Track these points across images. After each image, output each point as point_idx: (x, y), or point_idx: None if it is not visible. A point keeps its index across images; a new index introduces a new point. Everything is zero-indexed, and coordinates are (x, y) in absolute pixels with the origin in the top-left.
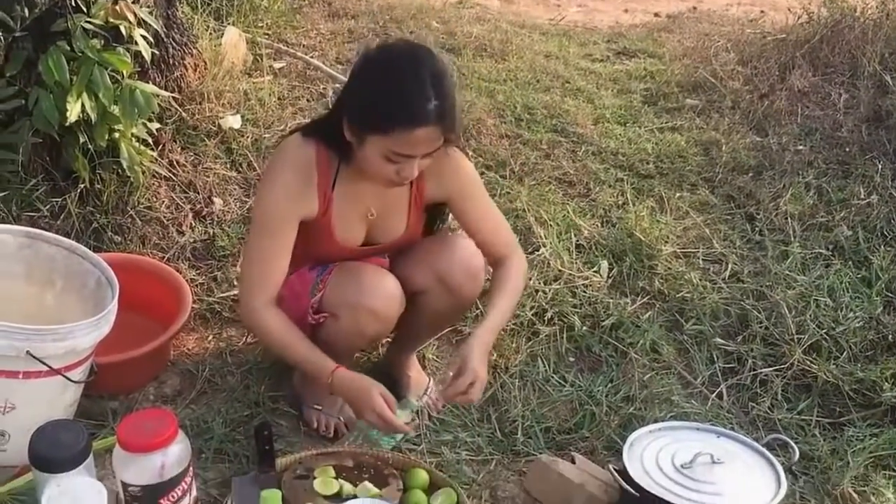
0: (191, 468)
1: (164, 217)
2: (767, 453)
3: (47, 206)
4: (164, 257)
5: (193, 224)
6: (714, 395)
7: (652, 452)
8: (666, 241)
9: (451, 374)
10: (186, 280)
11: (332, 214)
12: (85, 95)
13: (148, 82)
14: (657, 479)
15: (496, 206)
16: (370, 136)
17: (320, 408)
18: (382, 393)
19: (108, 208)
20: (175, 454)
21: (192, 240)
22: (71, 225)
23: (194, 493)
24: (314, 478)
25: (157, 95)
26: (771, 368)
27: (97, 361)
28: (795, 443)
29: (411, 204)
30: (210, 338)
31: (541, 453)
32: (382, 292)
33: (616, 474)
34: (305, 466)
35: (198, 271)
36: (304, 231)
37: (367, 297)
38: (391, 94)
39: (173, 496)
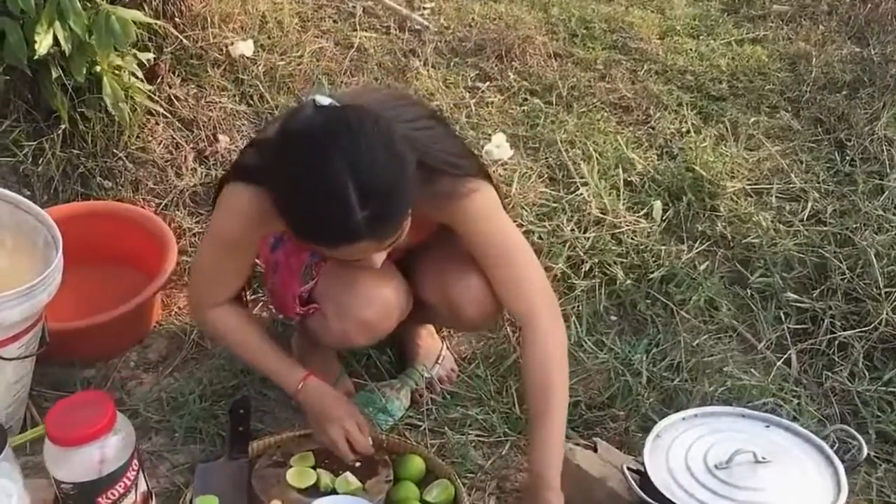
0: (135, 459)
1: (161, 159)
2: (827, 448)
3: (27, 150)
4: (160, 204)
5: (194, 166)
6: (781, 361)
7: (681, 447)
8: (733, 176)
9: None
10: (183, 229)
11: None
12: (58, 24)
13: (141, 6)
14: (683, 483)
15: (525, 245)
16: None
17: None
18: (358, 421)
19: (96, 151)
20: (114, 446)
21: (192, 184)
22: (54, 170)
23: (143, 486)
24: (290, 466)
25: (139, 22)
26: (853, 330)
27: (69, 327)
28: (878, 422)
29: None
30: None
31: (567, 437)
32: (378, 303)
33: (629, 475)
34: (284, 451)
35: (197, 219)
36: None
37: (360, 306)
38: (304, 206)
39: (114, 493)
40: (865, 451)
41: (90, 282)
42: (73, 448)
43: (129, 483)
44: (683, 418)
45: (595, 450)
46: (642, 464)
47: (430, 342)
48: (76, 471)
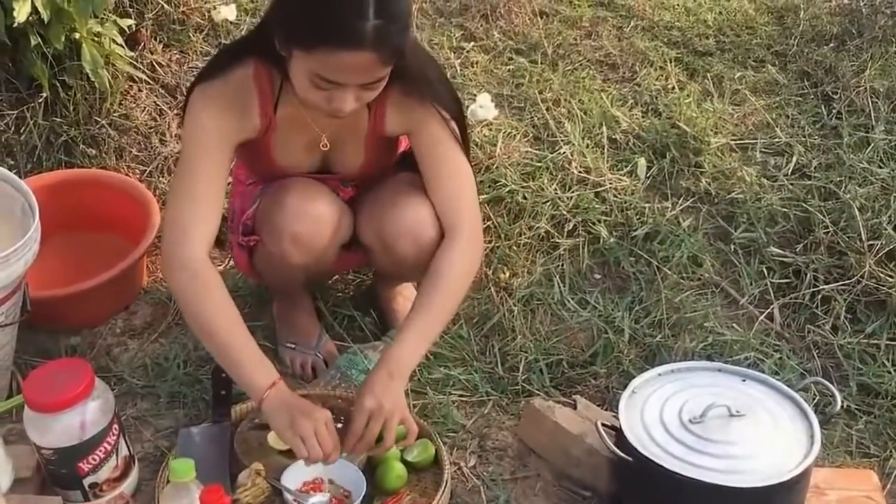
0: (115, 424)
1: (144, 126)
2: (802, 402)
3: (8, 119)
4: (144, 171)
5: (178, 132)
6: (763, 316)
7: (657, 402)
8: (718, 132)
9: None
10: (166, 196)
11: (272, 138)
12: None
13: None
14: (657, 438)
15: (468, 166)
16: (294, 51)
17: (294, 345)
18: (327, 423)
19: (79, 119)
20: (94, 411)
21: (175, 150)
22: (36, 139)
23: (124, 451)
24: (271, 429)
25: None
26: (835, 283)
27: (52, 294)
28: (859, 374)
29: (369, 134)
30: None
31: (545, 394)
32: (307, 216)
33: (602, 431)
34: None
35: None
36: (248, 155)
37: (289, 220)
38: (319, 2)
39: (95, 458)
40: (840, 403)
41: (75, 249)
42: (53, 414)
43: (109, 448)
44: (660, 374)
45: (574, 407)
46: (617, 419)
47: (407, 305)
48: (56, 436)
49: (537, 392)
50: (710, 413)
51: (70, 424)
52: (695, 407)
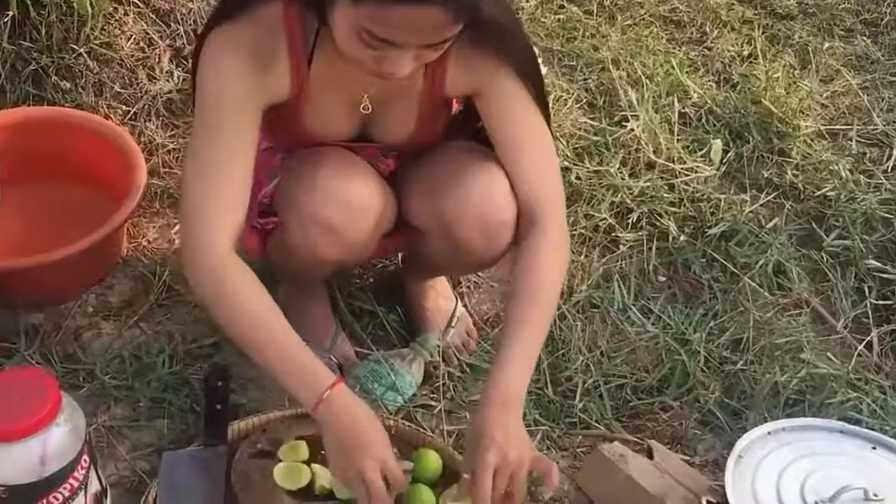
0: (86, 454)
1: (130, 57)
2: None
3: None
4: (127, 112)
5: (170, 67)
6: (862, 345)
7: (771, 474)
8: (806, 114)
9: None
10: (155, 144)
11: (304, 100)
12: None
13: None
14: None
15: (551, 136)
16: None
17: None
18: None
19: (52, 44)
20: (58, 440)
21: (166, 89)
22: (2, 65)
23: (95, 486)
24: (278, 459)
25: None
26: None
27: (11, 266)
28: None
29: (425, 96)
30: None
31: (606, 427)
32: (344, 201)
33: None
34: (271, 437)
35: (171, 132)
36: (269, 117)
37: (319, 204)
38: None
39: (58, 497)
40: None
41: (40, 204)
42: (4, 444)
43: (76, 484)
44: (769, 432)
45: (650, 455)
46: (722, 493)
47: (441, 303)
48: (9, 471)
49: (595, 425)
50: (842, 496)
51: (27, 457)
52: (821, 485)
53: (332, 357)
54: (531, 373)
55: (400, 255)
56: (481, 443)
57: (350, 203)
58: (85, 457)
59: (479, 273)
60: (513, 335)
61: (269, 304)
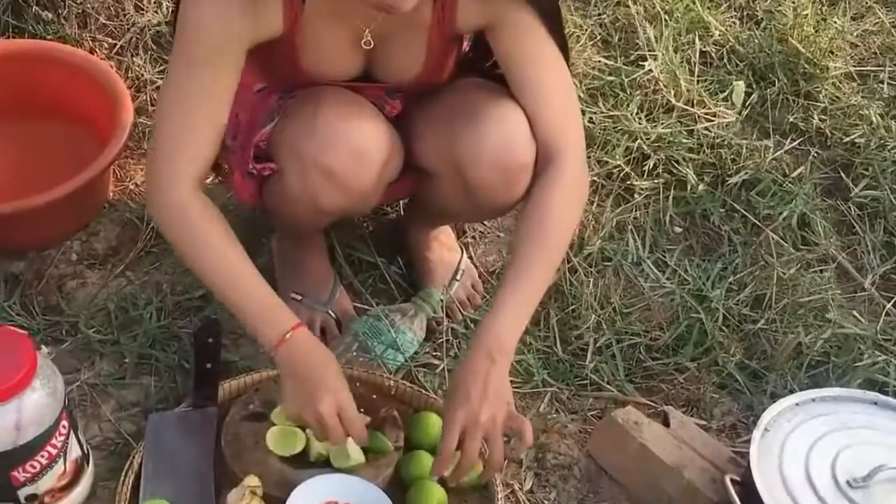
0: (65, 420)
1: None
2: None
3: None
4: (113, 46)
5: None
6: (891, 303)
7: (800, 449)
8: (835, 55)
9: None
10: (143, 80)
11: (299, 36)
12: None
13: None
14: None
15: (569, 74)
16: None
17: (300, 297)
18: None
19: None
20: (35, 405)
21: (155, 21)
22: None
23: (75, 452)
24: (271, 423)
25: None
26: None
27: None
28: None
29: (433, 31)
30: None
31: (618, 389)
32: (347, 147)
33: (733, 492)
34: (264, 398)
35: (160, 68)
36: (263, 55)
37: (320, 148)
38: None
39: (35, 465)
40: None
41: (20, 145)
42: None
43: (54, 452)
44: (797, 403)
45: (666, 422)
46: (748, 472)
47: (445, 254)
48: None
49: (607, 387)
50: (877, 476)
51: (1, 424)
52: (854, 463)
53: (329, 311)
54: (527, 321)
55: (402, 202)
56: (454, 398)
57: (354, 148)
58: (64, 422)
59: (485, 222)
60: (512, 279)
61: (232, 244)
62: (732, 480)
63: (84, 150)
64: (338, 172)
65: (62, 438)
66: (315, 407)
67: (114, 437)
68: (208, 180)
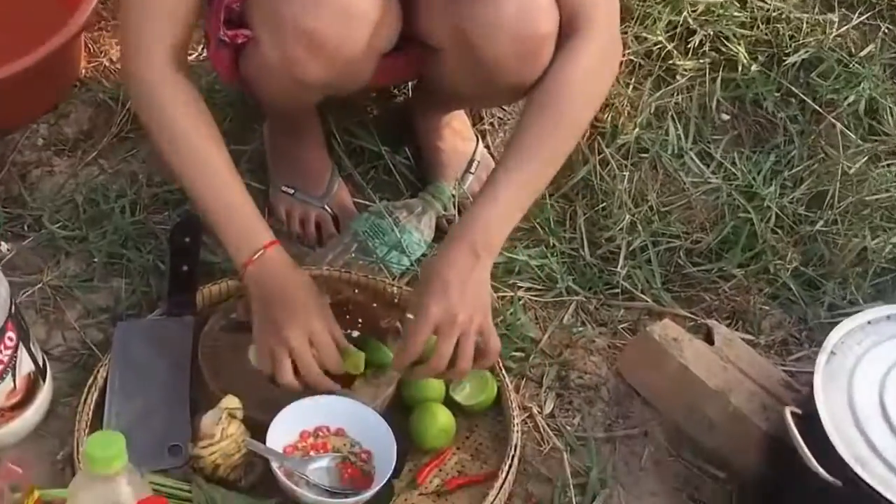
0: (11, 330)
1: None
2: None
3: None
4: None
5: None
6: None
7: (872, 376)
8: None
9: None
10: None
11: None
12: None
13: None
14: (878, 443)
15: None
16: None
17: (293, 191)
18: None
19: None
20: None
21: None
22: None
23: (27, 366)
24: None
25: None
26: None
27: None
28: None
29: None
30: None
31: (653, 299)
32: (331, 3)
33: (794, 428)
34: (247, 306)
35: None
36: None
37: (302, 8)
38: None
39: None
40: None
41: None
42: None
43: (0, 366)
44: (869, 322)
45: (709, 339)
46: (801, 390)
47: (459, 143)
48: None
49: (641, 296)
50: None
51: None
52: None
53: (325, 207)
54: (521, 215)
55: (410, 83)
56: (429, 290)
57: (339, 7)
58: (10, 333)
59: (504, 107)
60: (512, 159)
61: (206, 134)
62: (793, 414)
63: (50, 17)
64: (320, 36)
65: (8, 352)
66: (286, 341)
67: (78, 347)
68: (192, 56)
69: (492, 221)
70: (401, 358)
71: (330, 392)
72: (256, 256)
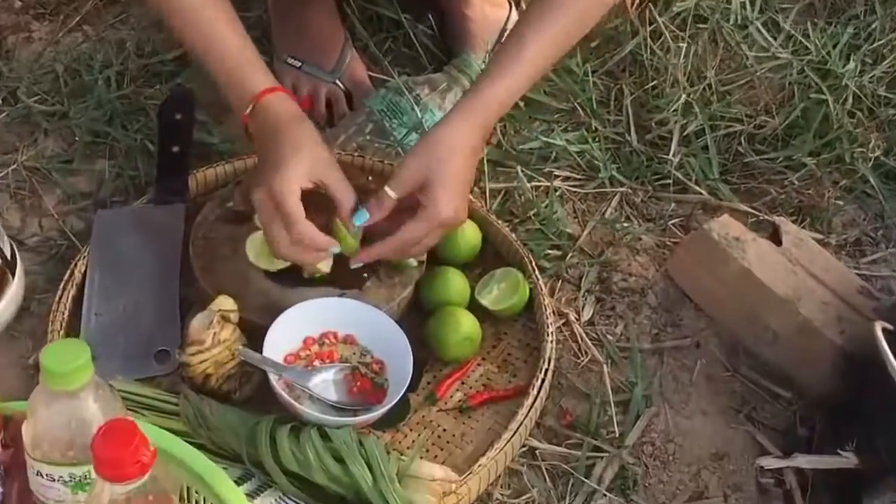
0: None
1: None
2: None
3: None
4: None
5: None
6: None
7: None
8: None
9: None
10: None
11: None
12: None
13: None
14: None
15: None
16: None
17: (300, 63)
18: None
19: None
20: None
21: None
22: None
23: None
24: (255, 226)
25: None
26: None
27: None
28: None
29: None
30: None
31: (710, 192)
32: None
33: (886, 346)
34: (246, 194)
35: None
36: None
37: None
38: None
39: None
40: None
41: None
42: None
43: None
44: None
45: (776, 238)
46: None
47: (488, 9)
48: None
49: (696, 188)
50: None
51: None
52: None
53: (337, 81)
54: (532, 82)
55: None
56: (432, 177)
57: None
58: None
59: None
60: (526, 28)
61: None
62: (885, 330)
63: None
64: None
65: None
66: (269, 189)
67: (56, 236)
68: None
69: (493, 100)
70: (379, 248)
71: (322, 250)
72: (251, 109)
